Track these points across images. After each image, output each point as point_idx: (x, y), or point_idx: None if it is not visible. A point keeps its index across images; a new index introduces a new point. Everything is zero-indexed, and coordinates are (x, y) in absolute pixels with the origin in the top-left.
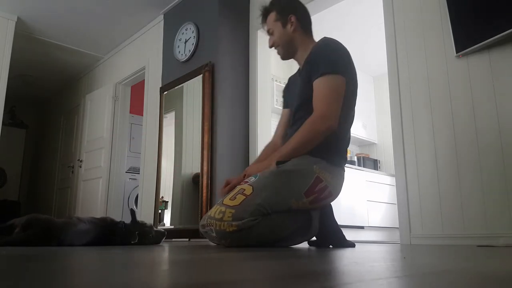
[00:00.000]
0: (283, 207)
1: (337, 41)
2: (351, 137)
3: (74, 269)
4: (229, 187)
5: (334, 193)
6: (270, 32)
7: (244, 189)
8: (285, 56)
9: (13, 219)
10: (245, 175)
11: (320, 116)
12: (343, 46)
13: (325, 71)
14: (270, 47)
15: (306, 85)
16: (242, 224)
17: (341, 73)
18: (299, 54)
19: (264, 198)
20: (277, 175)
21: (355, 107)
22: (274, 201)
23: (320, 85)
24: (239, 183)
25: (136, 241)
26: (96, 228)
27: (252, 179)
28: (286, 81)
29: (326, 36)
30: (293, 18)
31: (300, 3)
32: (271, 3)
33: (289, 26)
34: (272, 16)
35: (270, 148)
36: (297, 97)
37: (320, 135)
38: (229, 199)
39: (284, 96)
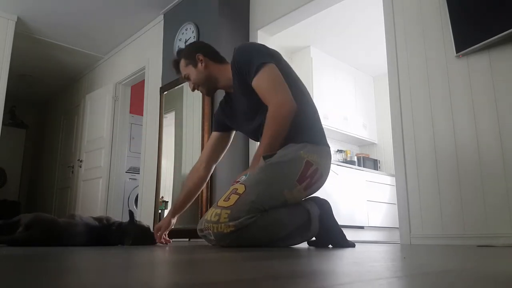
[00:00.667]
0: (278, 201)
1: (247, 41)
2: (351, 137)
3: (74, 269)
4: (162, 231)
5: (325, 174)
6: (186, 77)
7: (237, 189)
8: (208, 92)
9: (20, 215)
10: (169, 221)
11: (277, 105)
12: (252, 42)
13: (256, 67)
14: (193, 90)
15: (247, 92)
16: (239, 224)
17: (268, 61)
18: (221, 81)
19: (258, 195)
20: (266, 169)
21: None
22: (268, 196)
23: (260, 81)
24: (168, 225)
25: (130, 242)
26: (93, 228)
27: (243, 177)
28: None
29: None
30: (200, 56)
31: (202, 42)
32: (177, 54)
33: (199, 64)
34: (182, 63)
35: (192, 174)
36: (246, 110)
37: (286, 121)
38: (223, 200)
39: (216, 121)
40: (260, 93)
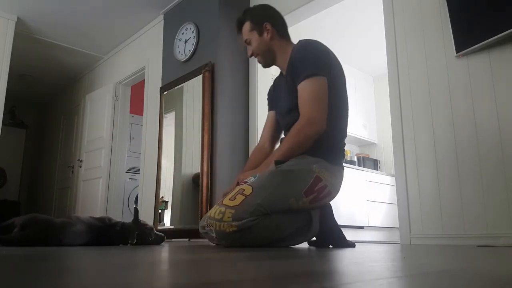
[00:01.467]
0: (283, 207)
1: (314, 41)
2: (351, 137)
3: (74, 269)
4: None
5: (334, 192)
6: (247, 42)
7: (244, 189)
8: (266, 64)
9: (13, 218)
10: (238, 183)
11: (307, 121)
12: (321, 45)
13: (306, 74)
14: (250, 56)
15: (292, 90)
16: (242, 225)
17: (321, 73)
18: (279, 60)
19: (264, 198)
20: (276, 175)
21: (350, 104)
22: (273, 201)
23: (303, 90)
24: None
25: (135, 242)
26: (93, 228)
27: (251, 179)
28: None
29: (312, 39)
30: (268, 26)
31: (273, 9)
32: (244, 13)
33: (265, 34)
34: (247, 26)
35: (257, 152)
36: (285, 102)
37: (309, 139)
38: (229, 199)
39: (269, 99)
40: (300, 100)
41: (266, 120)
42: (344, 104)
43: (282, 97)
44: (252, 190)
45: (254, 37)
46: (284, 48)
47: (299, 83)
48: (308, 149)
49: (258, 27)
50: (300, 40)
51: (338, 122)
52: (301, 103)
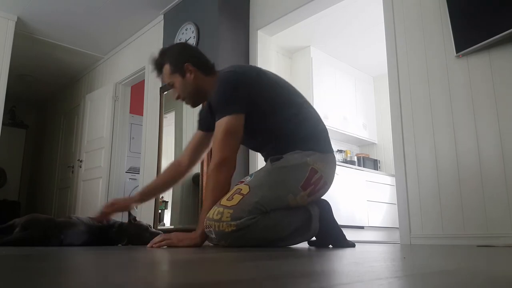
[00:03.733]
0: (281, 204)
1: (230, 74)
2: (351, 137)
3: (73, 269)
4: (115, 208)
5: (329, 182)
6: (170, 85)
7: (241, 189)
8: (196, 104)
9: (14, 219)
10: (133, 199)
11: (216, 165)
12: (237, 76)
13: (219, 115)
14: (176, 99)
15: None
16: (240, 224)
17: (234, 111)
18: (209, 95)
19: (262, 196)
20: (272, 172)
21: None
22: (271, 199)
23: (216, 129)
24: (126, 206)
25: (125, 242)
26: (93, 228)
27: (248, 178)
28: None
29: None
30: (190, 66)
31: (189, 46)
32: (160, 55)
33: (188, 75)
34: (166, 68)
35: (172, 169)
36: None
37: (223, 182)
38: (226, 199)
39: (202, 119)
40: (213, 138)
41: (191, 139)
42: (297, 97)
43: None
44: (249, 189)
45: (177, 80)
46: (211, 83)
47: (216, 121)
48: (299, 144)
49: (179, 69)
50: (221, 74)
51: (309, 111)
52: (213, 143)
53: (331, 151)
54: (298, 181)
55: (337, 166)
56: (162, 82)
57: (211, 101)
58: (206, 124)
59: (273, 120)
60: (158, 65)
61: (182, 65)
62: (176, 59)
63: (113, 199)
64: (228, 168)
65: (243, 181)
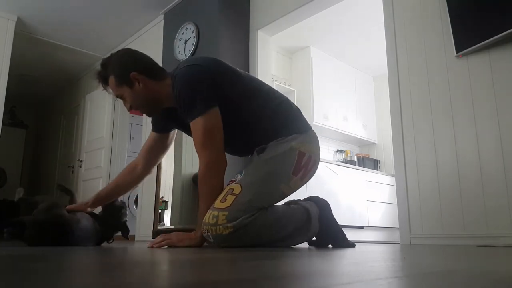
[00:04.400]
0: (276, 196)
1: (189, 71)
2: (351, 137)
3: (73, 269)
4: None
5: (318, 159)
6: (120, 97)
7: (233, 189)
8: (152, 113)
9: (38, 198)
10: (87, 203)
11: (207, 169)
12: (198, 70)
13: (191, 116)
14: (129, 110)
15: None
16: (237, 224)
17: (208, 108)
18: (165, 101)
19: (255, 194)
20: (261, 166)
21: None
22: (265, 193)
23: (194, 131)
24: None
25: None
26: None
27: (238, 176)
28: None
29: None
30: (136, 75)
31: (131, 52)
32: (103, 67)
33: (136, 84)
34: (112, 81)
35: (127, 172)
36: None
37: (217, 186)
38: (220, 201)
39: (157, 120)
40: (193, 140)
41: (146, 141)
42: (261, 85)
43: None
44: (242, 188)
45: (125, 92)
46: (164, 87)
47: (190, 123)
48: (279, 132)
49: (125, 80)
50: (176, 73)
51: (272, 99)
52: (195, 144)
53: (310, 127)
54: (288, 168)
55: (337, 166)
56: (110, 94)
57: (177, 105)
58: (159, 126)
59: (247, 111)
60: (102, 78)
61: (128, 75)
62: (120, 70)
63: (68, 206)
64: (219, 170)
65: (234, 180)
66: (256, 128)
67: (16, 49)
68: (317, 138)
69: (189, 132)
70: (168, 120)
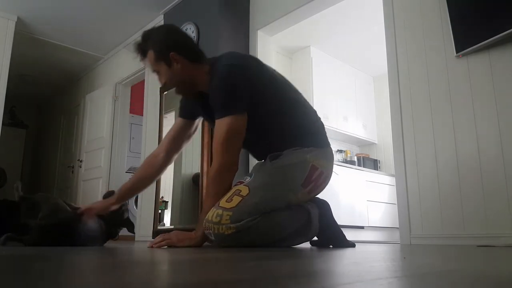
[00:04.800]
0: (282, 204)
1: (232, 67)
2: (351, 136)
3: (73, 269)
4: (93, 213)
5: (329, 176)
6: (156, 73)
7: (240, 190)
8: (183, 94)
9: (39, 196)
10: (112, 201)
11: (220, 171)
12: (240, 67)
13: (219, 114)
14: (163, 86)
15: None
16: (240, 226)
17: (236, 112)
18: (200, 85)
19: (262, 197)
20: (272, 172)
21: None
22: (271, 199)
23: (217, 129)
24: (103, 210)
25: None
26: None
27: (247, 178)
28: None
29: (234, 53)
30: (176, 56)
31: (175, 31)
32: (144, 40)
33: (174, 64)
34: (151, 55)
35: (148, 164)
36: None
37: (227, 187)
38: (225, 201)
39: (186, 105)
40: (214, 137)
41: (170, 130)
42: (294, 93)
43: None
44: (249, 191)
45: (162, 69)
46: (201, 73)
47: (216, 119)
48: (297, 142)
49: (164, 58)
50: (218, 66)
51: (305, 107)
52: (214, 142)
53: (329, 144)
54: (299, 180)
55: (337, 166)
56: (146, 67)
57: (210, 96)
58: (187, 110)
59: (272, 116)
60: (142, 50)
61: (167, 53)
62: (160, 47)
63: (90, 204)
64: (231, 173)
65: (242, 182)
66: (277, 132)
67: (16, 49)
68: (333, 156)
69: (212, 124)
70: (196, 105)
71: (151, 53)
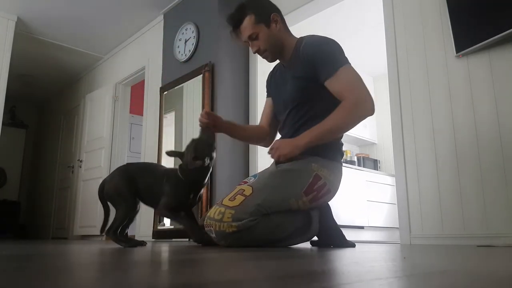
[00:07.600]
0: (283, 207)
1: (323, 37)
2: (351, 137)
3: (73, 269)
4: (211, 120)
5: (333, 190)
6: (252, 38)
7: (244, 190)
8: (274, 58)
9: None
10: (221, 119)
11: (359, 100)
12: (327, 38)
13: (337, 66)
14: (255, 52)
15: (302, 85)
16: (242, 225)
17: (348, 62)
18: (285, 53)
19: (264, 199)
20: (276, 175)
21: None
22: (273, 202)
23: (340, 78)
24: (217, 121)
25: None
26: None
27: (251, 179)
28: None
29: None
30: (276, 17)
31: (271, 1)
32: (241, 8)
33: (274, 25)
34: (249, 20)
35: (257, 128)
36: (291, 97)
37: (358, 119)
38: (229, 199)
39: (268, 86)
40: (339, 88)
41: (264, 107)
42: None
43: (287, 91)
44: (252, 191)
45: (262, 31)
46: (289, 41)
47: (330, 77)
48: (320, 147)
49: (264, 19)
50: (305, 37)
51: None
52: (343, 89)
53: (339, 160)
54: (301, 186)
55: None
56: (235, 39)
57: (309, 58)
58: (276, 96)
59: (325, 112)
60: (236, 20)
61: (269, 14)
62: (261, 9)
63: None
64: (367, 109)
65: (247, 182)
66: (308, 124)
67: (16, 49)
68: (342, 173)
69: (279, 99)
70: (272, 86)
71: (250, 17)
